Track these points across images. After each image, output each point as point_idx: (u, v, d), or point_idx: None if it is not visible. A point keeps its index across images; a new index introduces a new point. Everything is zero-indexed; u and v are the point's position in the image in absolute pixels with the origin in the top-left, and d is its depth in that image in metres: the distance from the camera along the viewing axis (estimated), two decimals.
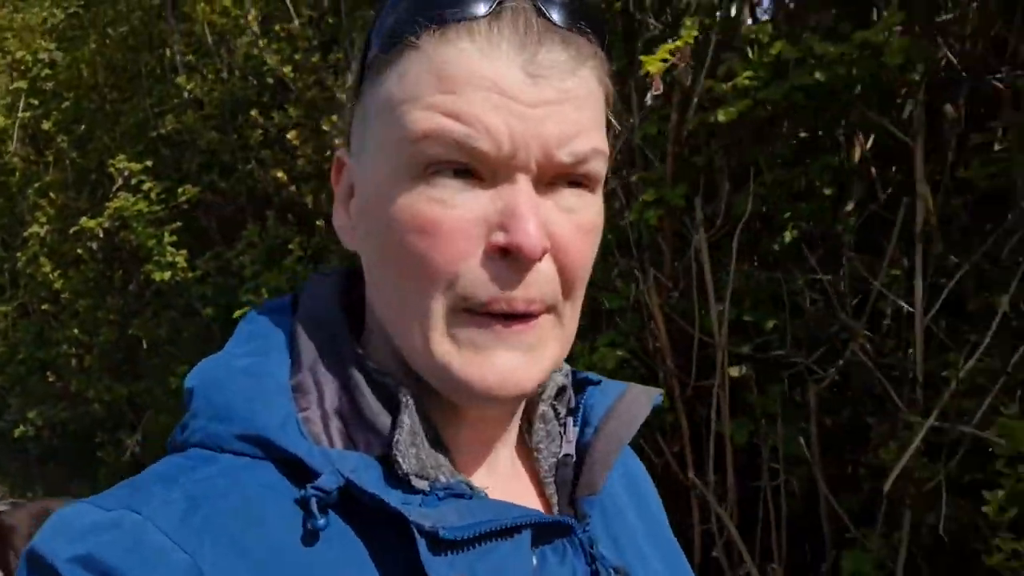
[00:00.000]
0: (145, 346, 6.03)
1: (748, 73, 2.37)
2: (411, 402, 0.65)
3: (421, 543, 0.59)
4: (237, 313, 4.58)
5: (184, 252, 5.08)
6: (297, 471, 0.62)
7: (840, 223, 2.65)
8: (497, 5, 0.62)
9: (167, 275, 5.03)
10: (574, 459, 0.75)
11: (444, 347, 0.64)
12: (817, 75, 2.32)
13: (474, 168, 0.62)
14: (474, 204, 0.62)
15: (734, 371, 2.69)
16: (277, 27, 4.12)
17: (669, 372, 2.87)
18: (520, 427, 0.76)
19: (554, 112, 0.62)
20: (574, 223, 0.65)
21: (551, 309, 0.65)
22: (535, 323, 0.64)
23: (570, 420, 0.76)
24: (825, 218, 2.71)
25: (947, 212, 2.50)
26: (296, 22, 3.91)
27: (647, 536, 0.81)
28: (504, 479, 0.73)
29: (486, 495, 0.67)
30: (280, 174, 4.06)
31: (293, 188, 4.11)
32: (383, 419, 0.65)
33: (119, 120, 5.83)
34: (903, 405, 2.41)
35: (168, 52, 5.33)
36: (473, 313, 0.63)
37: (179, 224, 5.15)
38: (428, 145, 0.61)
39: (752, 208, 2.64)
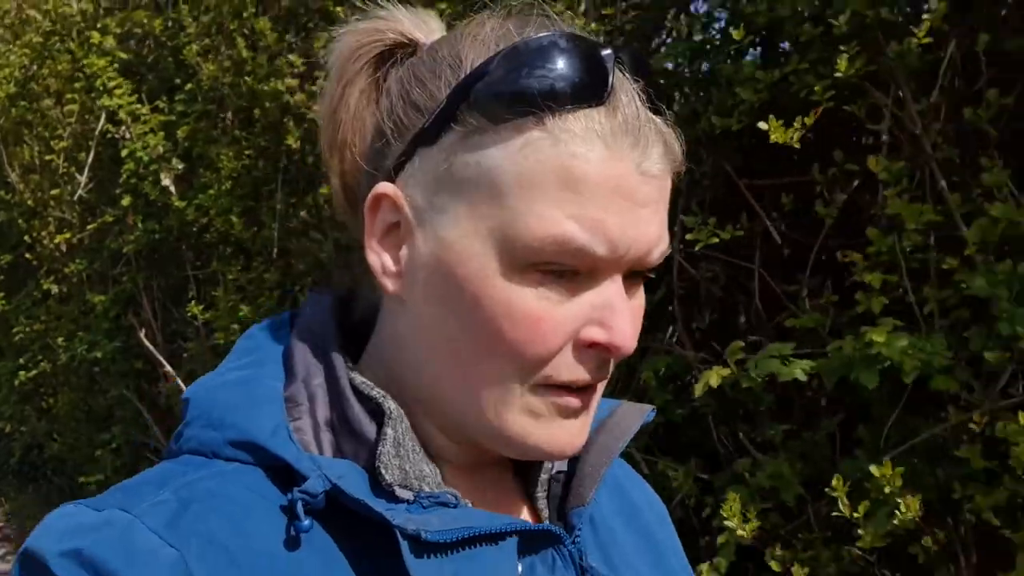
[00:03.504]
0: None
1: None
2: (397, 413, 0.67)
3: (404, 545, 0.61)
4: (16, 328, 8.24)
5: (2, 293, 8.72)
6: (285, 477, 0.64)
7: None
8: (611, 87, 0.61)
9: None
10: (565, 475, 0.76)
11: (520, 420, 0.66)
12: None
13: (578, 267, 0.63)
14: (575, 303, 0.64)
15: None
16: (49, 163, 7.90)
17: None
18: None
19: (654, 212, 0.63)
20: (638, 311, 0.68)
21: None
22: (596, 389, 0.68)
23: None
24: None
25: None
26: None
27: (639, 552, 0.81)
28: (494, 494, 0.74)
29: (472, 506, 0.68)
30: (28, 255, 7.88)
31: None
32: (369, 429, 0.67)
33: None
34: None
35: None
36: (549, 388, 0.65)
37: (3, 278, 8.83)
38: (547, 247, 0.61)
39: None
